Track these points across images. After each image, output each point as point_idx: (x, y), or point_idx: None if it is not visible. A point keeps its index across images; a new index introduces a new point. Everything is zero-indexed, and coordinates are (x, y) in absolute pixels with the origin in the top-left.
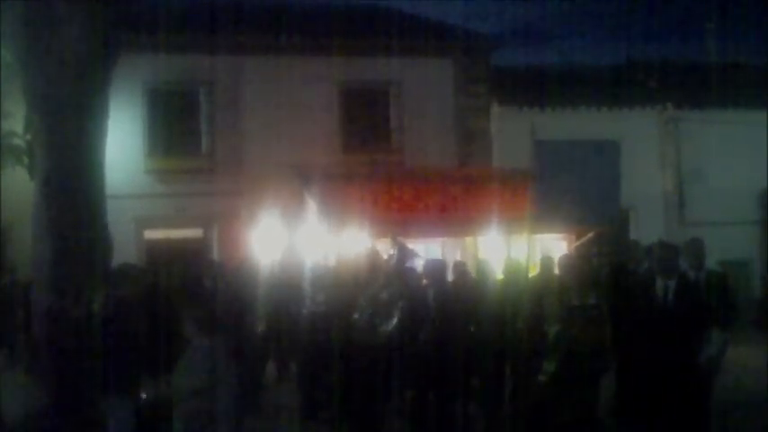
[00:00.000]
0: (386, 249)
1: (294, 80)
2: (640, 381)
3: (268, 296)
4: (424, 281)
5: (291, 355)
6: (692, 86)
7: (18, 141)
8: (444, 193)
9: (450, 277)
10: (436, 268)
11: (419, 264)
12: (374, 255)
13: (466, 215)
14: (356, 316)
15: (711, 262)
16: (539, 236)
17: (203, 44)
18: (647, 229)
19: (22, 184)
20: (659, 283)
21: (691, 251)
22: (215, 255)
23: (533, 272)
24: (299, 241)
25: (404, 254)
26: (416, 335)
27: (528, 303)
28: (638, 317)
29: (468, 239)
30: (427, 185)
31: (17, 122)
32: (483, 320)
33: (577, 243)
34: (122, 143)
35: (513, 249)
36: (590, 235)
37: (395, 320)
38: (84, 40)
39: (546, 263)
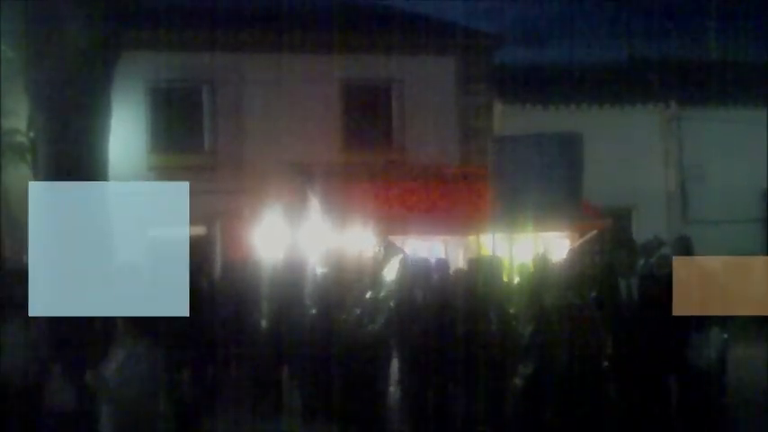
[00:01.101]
0: (373, 248)
1: (296, 78)
2: (636, 382)
3: (270, 295)
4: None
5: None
6: (694, 84)
7: (21, 139)
8: (444, 191)
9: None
10: (428, 267)
11: (408, 263)
12: (361, 254)
13: (466, 213)
14: (343, 316)
15: None
16: (542, 234)
17: (205, 42)
18: (650, 228)
19: (25, 182)
20: (621, 282)
21: (678, 250)
22: (217, 253)
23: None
24: (301, 239)
25: (391, 253)
26: (405, 334)
27: (507, 303)
28: (619, 316)
29: (471, 238)
30: (427, 183)
31: (20, 120)
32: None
33: (580, 241)
34: (125, 141)
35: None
36: (593, 233)
37: (382, 320)
38: (86, 38)
39: (540, 261)
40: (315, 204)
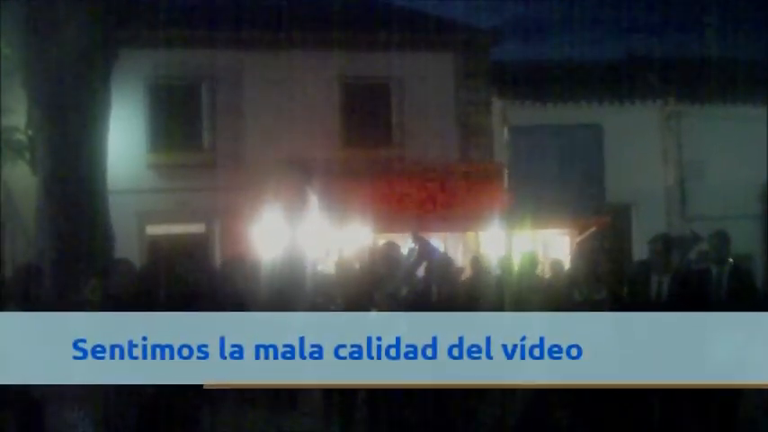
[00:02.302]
0: (405, 244)
1: (295, 75)
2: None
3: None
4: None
5: None
6: (693, 81)
7: (20, 137)
8: (444, 188)
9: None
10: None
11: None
12: (391, 250)
13: (466, 210)
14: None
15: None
16: (541, 231)
17: (204, 39)
18: (649, 225)
19: (24, 180)
20: (654, 278)
21: (713, 244)
22: (217, 250)
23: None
24: (301, 237)
25: (425, 249)
26: None
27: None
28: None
29: (470, 235)
30: (427, 180)
31: (19, 118)
32: None
33: (580, 238)
34: (124, 138)
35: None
36: (592, 229)
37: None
38: (85, 36)
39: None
40: (314, 202)
